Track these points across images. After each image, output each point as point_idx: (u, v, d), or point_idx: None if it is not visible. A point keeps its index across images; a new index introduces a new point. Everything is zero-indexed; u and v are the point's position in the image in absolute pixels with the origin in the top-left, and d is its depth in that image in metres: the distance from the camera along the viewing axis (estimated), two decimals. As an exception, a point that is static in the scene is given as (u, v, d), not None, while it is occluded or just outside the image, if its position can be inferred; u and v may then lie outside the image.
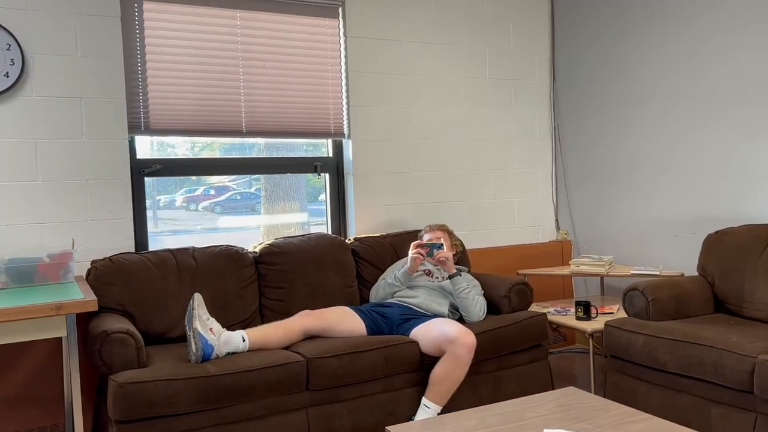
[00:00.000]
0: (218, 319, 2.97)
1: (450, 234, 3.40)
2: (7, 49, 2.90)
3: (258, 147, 3.71)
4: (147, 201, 3.32)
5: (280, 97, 3.55)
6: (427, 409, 2.79)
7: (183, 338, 2.94)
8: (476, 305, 3.10)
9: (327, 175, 3.80)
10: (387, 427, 1.92)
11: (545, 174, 4.45)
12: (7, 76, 2.90)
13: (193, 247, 3.14)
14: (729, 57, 3.42)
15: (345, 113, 3.75)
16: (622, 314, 3.46)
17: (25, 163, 2.97)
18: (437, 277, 3.26)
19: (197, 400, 2.41)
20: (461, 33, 4.10)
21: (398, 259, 3.51)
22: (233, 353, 2.65)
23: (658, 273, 3.50)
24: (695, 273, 3.35)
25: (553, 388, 3.23)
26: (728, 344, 2.55)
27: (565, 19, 4.37)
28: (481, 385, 3.02)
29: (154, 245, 3.35)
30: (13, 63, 2.91)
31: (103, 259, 2.91)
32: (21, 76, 2.93)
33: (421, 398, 2.85)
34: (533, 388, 3.15)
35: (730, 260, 3.11)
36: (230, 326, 2.98)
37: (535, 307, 3.76)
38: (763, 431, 2.42)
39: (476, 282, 3.24)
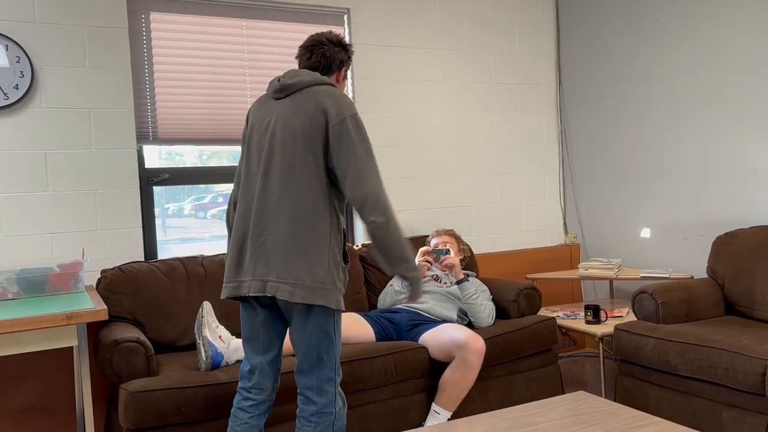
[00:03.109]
0: (227, 327, 2.98)
1: (457, 239, 3.40)
2: (17, 62, 2.93)
3: (265, 155, 3.72)
4: (156, 210, 3.34)
5: (286, 105, 3.56)
6: (437, 414, 2.79)
7: (193, 346, 2.95)
8: (485, 310, 3.09)
9: (334, 181, 3.80)
10: (397, 434, 1.92)
11: (552, 178, 4.44)
12: (17, 88, 2.93)
13: (202, 255, 3.16)
14: (736, 58, 3.41)
15: (351, 120, 3.76)
16: (632, 317, 3.44)
17: (35, 174, 3.00)
18: (445, 283, 3.26)
19: (208, 408, 2.42)
20: (467, 38, 4.11)
21: (406, 264, 3.51)
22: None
23: (667, 276, 3.49)
24: (705, 275, 3.33)
25: (563, 393, 3.22)
26: (739, 347, 2.54)
27: (570, 23, 4.37)
28: (491, 390, 3.01)
29: (163, 254, 3.37)
30: (23, 75, 2.94)
31: (113, 269, 2.93)
32: (30, 88, 2.96)
33: (430, 404, 2.84)
34: (543, 393, 3.14)
35: (740, 262, 3.10)
36: (239, 334, 2.98)
37: (544, 312, 3.75)
38: (776, 434, 2.40)
39: (484, 287, 3.24)
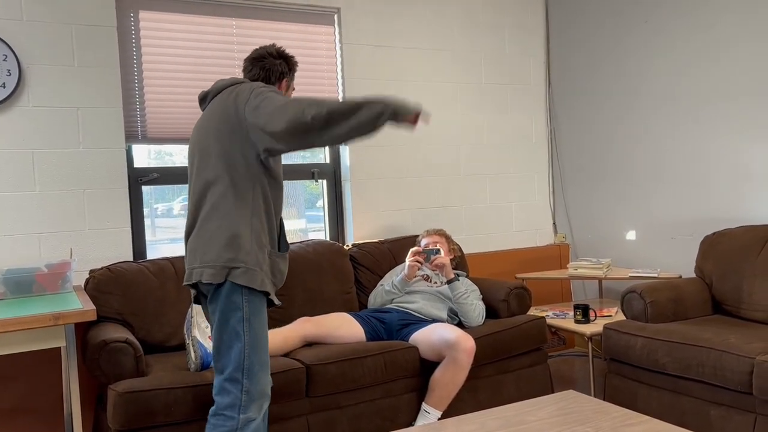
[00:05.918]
0: (217, 327, 2.97)
1: (448, 239, 3.40)
2: (4, 60, 2.90)
3: (255, 154, 3.70)
4: (145, 209, 3.32)
5: (276, 105, 3.55)
6: (427, 414, 2.79)
7: (182, 347, 2.93)
8: (475, 310, 3.10)
9: (324, 181, 3.80)
10: (387, 433, 1.92)
11: (542, 178, 4.46)
12: (4, 87, 2.90)
13: (192, 255, 3.14)
14: (724, 58, 3.43)
15: (341, 120, 3.75)
16: (621, 317, 3.46)
17: (22, 173, 2.98)
18: (435, 282, 3.26)
19: (197, 408, 2.41)
20: (457, 39, 4.11)
21: (396, 264, 3.51)
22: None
23: (656, 275, 3.51)
24: (693, 275, 3.35)
25: (552, 392, 3.22)
26: (727, 345, 2.56)
27: (559, 24, 4.38)
28: (481, 389, 3.02)
29: (152, 254, 3.35)
30: (10, 73, 2.91)
31: (102, 269, 2.91)
32: (18, 86, 2.94)
33: (421, 403, 2.85)
34: (533, 392, 3.15)
35: (728, 261, 3.12)
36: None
37: (533, 311, 3.76)
38: (763, 432, 2.42)
39: (475, 287, 3.24)
